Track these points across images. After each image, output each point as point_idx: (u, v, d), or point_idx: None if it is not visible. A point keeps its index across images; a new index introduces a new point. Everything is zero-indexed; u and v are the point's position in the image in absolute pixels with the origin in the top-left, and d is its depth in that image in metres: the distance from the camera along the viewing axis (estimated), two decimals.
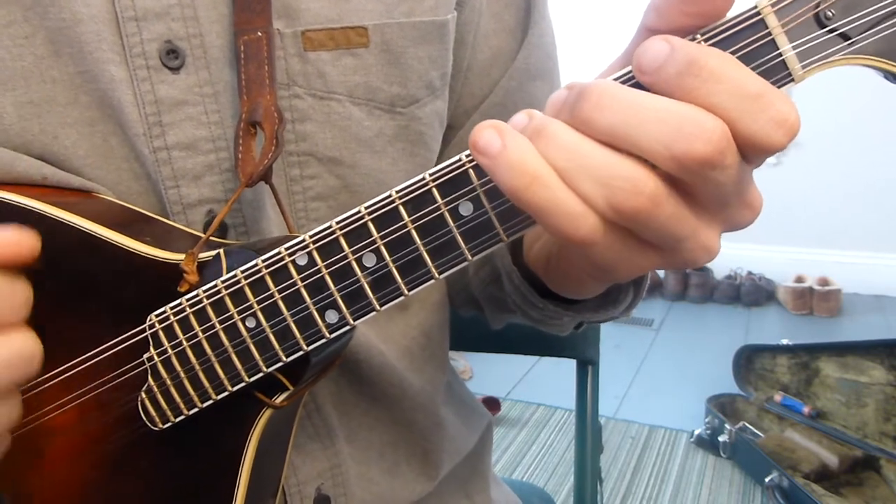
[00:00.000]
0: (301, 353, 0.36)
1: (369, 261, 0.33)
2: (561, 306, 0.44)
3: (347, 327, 0.34)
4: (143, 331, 0.38)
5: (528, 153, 0.27)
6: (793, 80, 0.29)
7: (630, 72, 0.29)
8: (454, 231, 0.32)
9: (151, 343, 0.37)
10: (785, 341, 2.06)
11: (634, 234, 0.28)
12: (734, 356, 2.10)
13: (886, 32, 0.28)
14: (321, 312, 0.34)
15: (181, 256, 0.38)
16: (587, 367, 0.84)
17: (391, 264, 0.33)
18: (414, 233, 0.32)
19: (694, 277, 3.05)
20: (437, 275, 0.32)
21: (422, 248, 0.32)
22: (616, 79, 0.29)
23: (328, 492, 0.49)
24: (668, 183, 0.26)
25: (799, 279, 2.93)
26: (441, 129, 0.52)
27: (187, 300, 0.37)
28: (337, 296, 0.34)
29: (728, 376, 2.10)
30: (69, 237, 0.38)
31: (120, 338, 0.38)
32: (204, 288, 0.36)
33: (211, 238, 0.39)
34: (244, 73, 0.40)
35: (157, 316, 0.37)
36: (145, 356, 0.38)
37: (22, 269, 0.34)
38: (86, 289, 0.39)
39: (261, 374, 0.36)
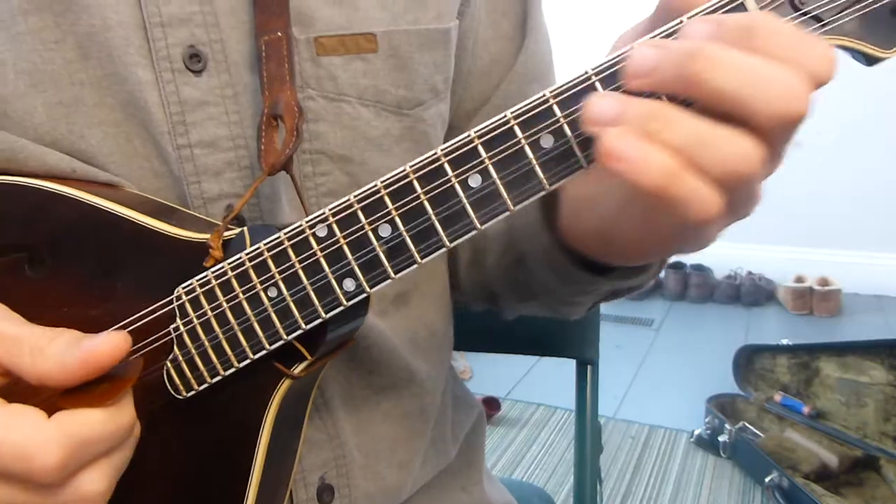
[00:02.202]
0: (319, 320, 0.37)
1: (385, 231, 0.35)
2: (597, 276, 0.46)
3: (364, 294, 0.36)
4: (171, 303, 0.40)
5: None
6: None
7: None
8: (464, 201, 0.34)
9: (178, 314, 0.39)
10: (785, 341, 2.06)
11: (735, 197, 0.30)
12: (734, 356, 2.10)
13: (855, 15, 0.31)
14: (339, 281, 0.36)
15: (207, 236, 0.40)
16: (587, 367, 0.84)
17: (405, 234, 0.35)
18: (427, 204, 0.34)
19: (694, 277, 3.05)
20: (447, 243, 0.34)
21: (434, 218, 0.34)
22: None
23: (332, 482, 0.50)
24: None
25: (799, 279, 2.93)
26: (443, 130, 0.54)
27: (213, 273, 0.39)
28: (354, 265, 0.36)
29: (728, 376, 2.10)
30: (100, 219, 0.40)
31: (148, 309, 0.40)
32: (229, 261, 0.38)
33: (230, 226, 0.41)
34: (265, 70, 0.42)
35: (183, 288, 0.39)
36: (171, 327, 0.40)
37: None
38: (117, 267, 0.41)
39: (281, 342, 0.38)
